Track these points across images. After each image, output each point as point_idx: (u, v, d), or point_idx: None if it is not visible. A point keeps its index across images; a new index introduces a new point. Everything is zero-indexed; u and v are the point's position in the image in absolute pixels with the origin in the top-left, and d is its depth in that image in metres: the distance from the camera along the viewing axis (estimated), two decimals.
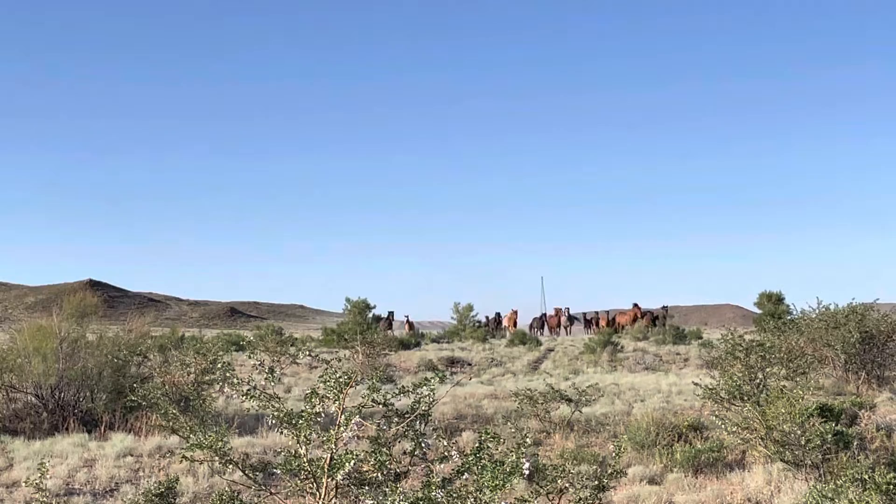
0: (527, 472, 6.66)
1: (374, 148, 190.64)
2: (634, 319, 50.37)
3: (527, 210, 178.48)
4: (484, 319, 57.24)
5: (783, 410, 13.14)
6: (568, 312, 56.14)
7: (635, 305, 52.33)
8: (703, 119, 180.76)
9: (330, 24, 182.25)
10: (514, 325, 55.87)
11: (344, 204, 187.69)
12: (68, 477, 13.59)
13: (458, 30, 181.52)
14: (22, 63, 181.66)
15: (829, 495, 9.70)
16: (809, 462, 13.08)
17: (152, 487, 10.87)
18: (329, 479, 7.10)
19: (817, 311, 25.12)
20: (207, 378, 18.15)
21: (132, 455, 15.07)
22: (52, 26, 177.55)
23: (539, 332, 56.10)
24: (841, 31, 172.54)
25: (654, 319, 50.04)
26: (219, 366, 16.56)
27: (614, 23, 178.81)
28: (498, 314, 57.79)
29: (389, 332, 50.27)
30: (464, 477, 7.02)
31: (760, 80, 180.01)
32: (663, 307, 52.10)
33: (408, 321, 54.82)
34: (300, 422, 7.28)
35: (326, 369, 7.47)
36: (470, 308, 55.34)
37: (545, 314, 59.21)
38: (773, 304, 44.00)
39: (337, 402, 7.25)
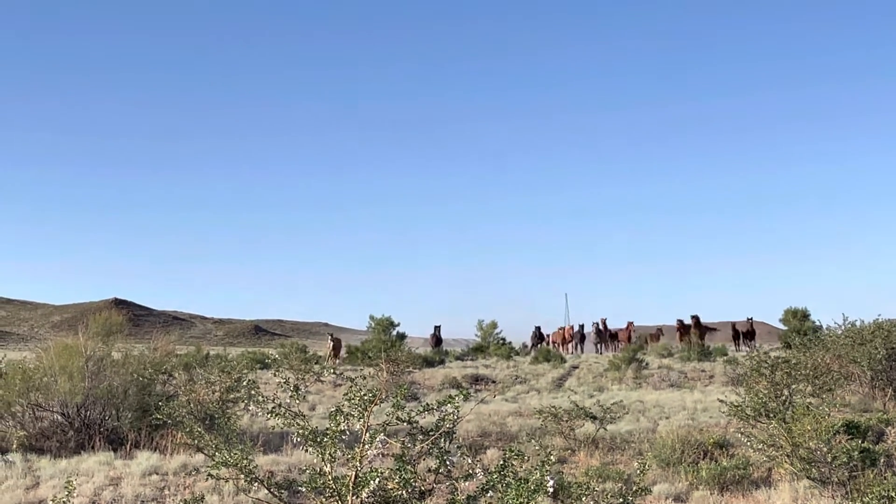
0: (551, 489, 6.65)
1: (398, 168, 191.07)
2: (629, 338, 50.13)
3: (551, 226, 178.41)
4: (535, 331, 55.88)
5: (809, 427, 13.07)
6: (582, 328, 54.37)
7: (630, 323, 52.03)
8: (731, 134, 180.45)
9: (381, 43, 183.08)
10: (564, 340, 54.40)
11: (366, 223, 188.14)
12: (94, 495, 13.63)
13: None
14: (46, 74, 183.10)
15: None
16: (836, 479, 13.00)
17: None
18: (354, 497, 7.11)
19: (843, 327, 25.01)
20: (232, 396, 18.22)
21: (158, 473, 15.10)
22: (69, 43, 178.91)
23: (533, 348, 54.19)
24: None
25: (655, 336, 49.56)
26: (244, 383, 16.61)
27: (647, 40, 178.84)
28: (538, 329, 56.27)
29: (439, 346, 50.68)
30: (488, 495, 7.01)
31: (792, 93, 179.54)
32: (658, 330, 51.97)
33: (434, 335, 53.15)
34: (325, 439, 7.29)
35: (351, 387, 7.49)
36: (494, 325, 55.20)
37: (539, 328, 56.86)
38: (798, 320, 43.82)
39: (361, 420, 7.26)
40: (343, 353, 44.25)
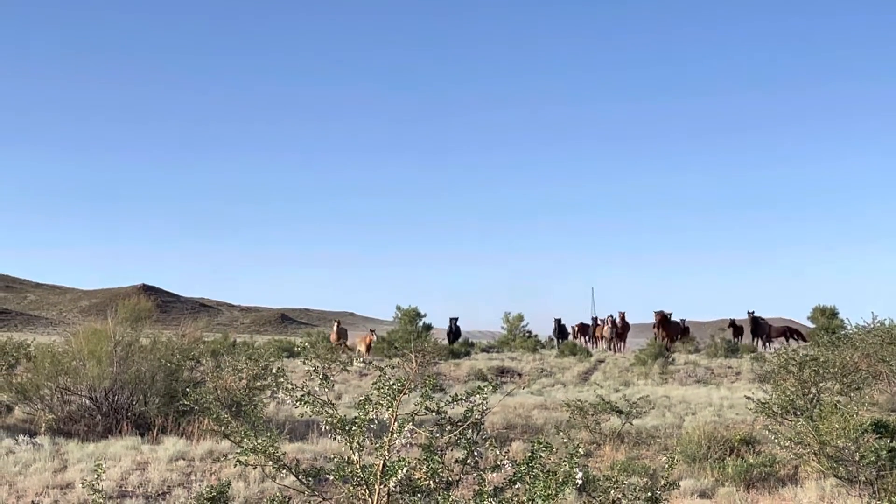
0: (580, 482, 6.64)
1: (427, 157, 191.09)
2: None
3: (578, 219, 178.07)
4: (556, 324, 53.99)
5: (837, 426, 12.99)
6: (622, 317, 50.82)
7: (619, 315, 49.07)
8: (758, 130, 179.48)
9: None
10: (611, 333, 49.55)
11: (395, 212, 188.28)
12: (121, 479, 13.71)
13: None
14: (85, 59, 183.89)
15: None
16: (863, 478, 12.92)
17: (204, 491, 10.89)
18: (381, 486, 7.12)
19: (872, 326, 24.87)
20: (259, 384, 18.28)
21: (184, 459, 15.18)
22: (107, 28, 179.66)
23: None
24: None
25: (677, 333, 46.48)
26: (273, 371, 16.65)
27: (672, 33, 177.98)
28: (559, 321, 54.33)
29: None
30: (515, 486, 7.00)
31: (814, 89, 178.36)
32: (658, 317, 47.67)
33: (449, 328, 50.11)
34: (353, 428, 7.30)
35: (380, 376, 7.50)
36: (520, 318, 55.12)
37: (559, 321, 54.49)
38: (826, 318, 43.54)
39: (390, 409, 7.27)
40: (368, 343, 42.74)
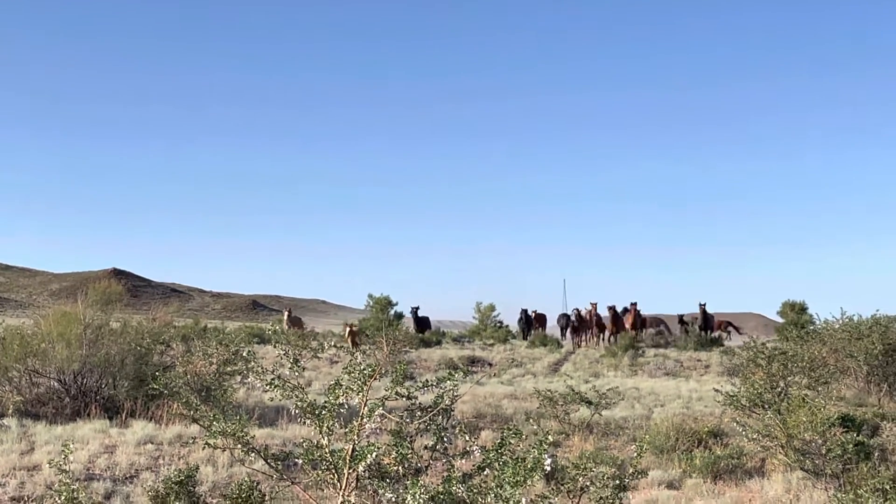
0: (549, 468, 6.66)
1: (398, 146, 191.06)
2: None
3: (549, 213, 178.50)
4: (521, 314, 51.22)
5: (804, 419, 13.07)
6: (535, 312, 50.46)
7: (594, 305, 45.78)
8: (730, 124, 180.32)
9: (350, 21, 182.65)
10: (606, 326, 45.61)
11: (367, 201, 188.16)
12: (89, 462, 13.66)
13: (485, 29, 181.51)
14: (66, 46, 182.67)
15: None
16: (829, 471, 13.01)
17: (172, 475, 10.91)
18: (350, 471, 7.12)
19: (840, 321, 24.98)
20: (229, 369, 18.24)
21: (153, 443, 15.13)
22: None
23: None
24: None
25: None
26: (244, 354, 16.60)
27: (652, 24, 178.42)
28: (525, 311, 51.36)
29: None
30: (484, 473, 7.02)
31: (778, 84, 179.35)
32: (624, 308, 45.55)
33: (414, 316, 47.84)
34: (323, 412, 7.30)
35: (350, 360, 7.49)
36: (492, 308, 55.06)
37: (526, 311, 51.29)
38: (796, 313, 43.71)
39: (360, 394, 7.26)
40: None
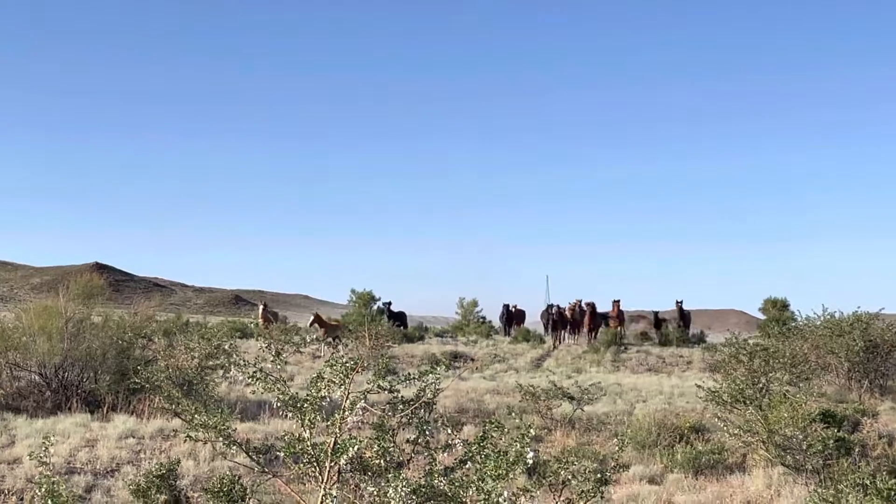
0: (531, 461, 6.65)
1: (381, 142, 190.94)
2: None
3: (532, 209, 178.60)
4: (502, 311, 49.91)
5: (785, 415, 13.14)
6: (515, 308, 49.59)
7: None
8: (711, 121, 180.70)
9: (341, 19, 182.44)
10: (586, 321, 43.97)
11: (351, 196, 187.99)
12: (70, 456, 13.62)
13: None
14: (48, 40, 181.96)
15: (830, 500, 9.68)
16: (810, 467, 13.08)
17: (153, 469, 10.90)
18: (331, 464, 7.10)
19: (822, 318, 25.10)
20: (211, 363, 18.19)
21: (134, 437, 15.09)
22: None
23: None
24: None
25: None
26: (226, 346, 16.58)
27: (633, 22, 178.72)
28: (507, 307, 49.91)
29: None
30: (466, 466, 7.01)
31: (771, 80, 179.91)
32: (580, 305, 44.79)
33: (386, 311, 46.44)
34: (305, 405, 7.28)
35: (333, 354, 7.48)
36: (475, 304, 55.03)
37: (507, 307, 49.92)
38: (777, 310, 43.87)
39: (343, 387, 7.24)
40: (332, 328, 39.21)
